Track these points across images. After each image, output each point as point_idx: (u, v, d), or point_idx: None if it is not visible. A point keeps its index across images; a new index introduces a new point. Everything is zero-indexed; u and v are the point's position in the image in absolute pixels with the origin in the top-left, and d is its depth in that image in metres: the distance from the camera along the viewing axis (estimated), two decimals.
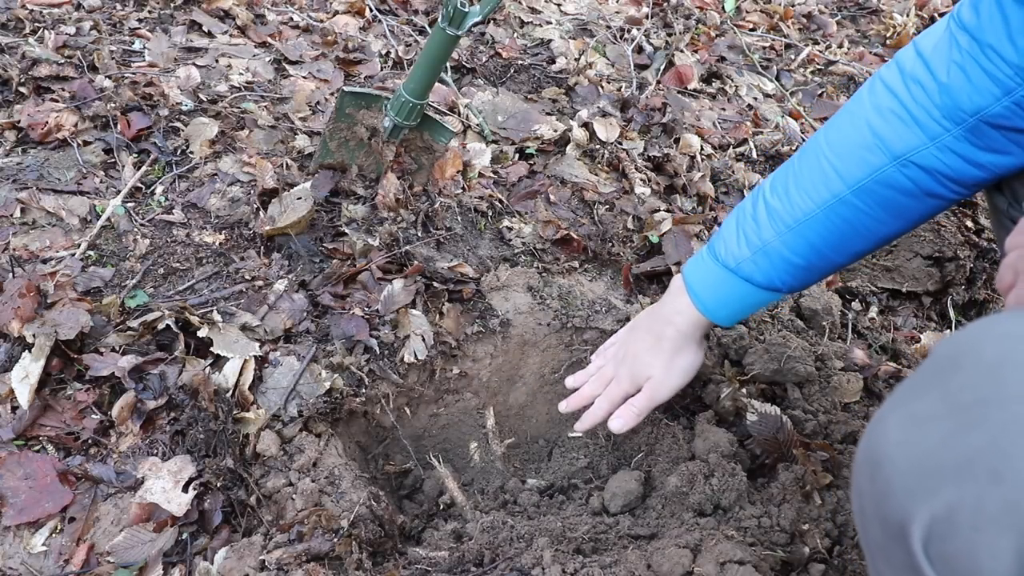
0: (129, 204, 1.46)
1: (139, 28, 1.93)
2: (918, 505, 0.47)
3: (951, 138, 0.84)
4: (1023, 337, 0.49)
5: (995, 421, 0.46)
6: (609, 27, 2.48)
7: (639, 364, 1.13)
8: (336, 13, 2.25)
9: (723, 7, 2.80)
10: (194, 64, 1.82)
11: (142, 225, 1.43)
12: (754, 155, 2.00)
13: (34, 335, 1.14)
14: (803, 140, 2.11)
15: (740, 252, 1.00)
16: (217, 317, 1.26)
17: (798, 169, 0.96)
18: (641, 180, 1.75)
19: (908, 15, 2.90)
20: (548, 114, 1.96)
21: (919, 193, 0.89)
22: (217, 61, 1.89)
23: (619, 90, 2.13)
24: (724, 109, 2.21)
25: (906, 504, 0.48)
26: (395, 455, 1.38)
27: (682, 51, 2.38)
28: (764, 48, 2.63)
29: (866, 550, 0.56)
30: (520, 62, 2.17)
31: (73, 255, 1.34)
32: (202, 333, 1.21)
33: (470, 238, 1.56)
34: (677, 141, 1.93)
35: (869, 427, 0.55)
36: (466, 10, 1.26)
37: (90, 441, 1.11)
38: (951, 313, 1.71)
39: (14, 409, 1.11)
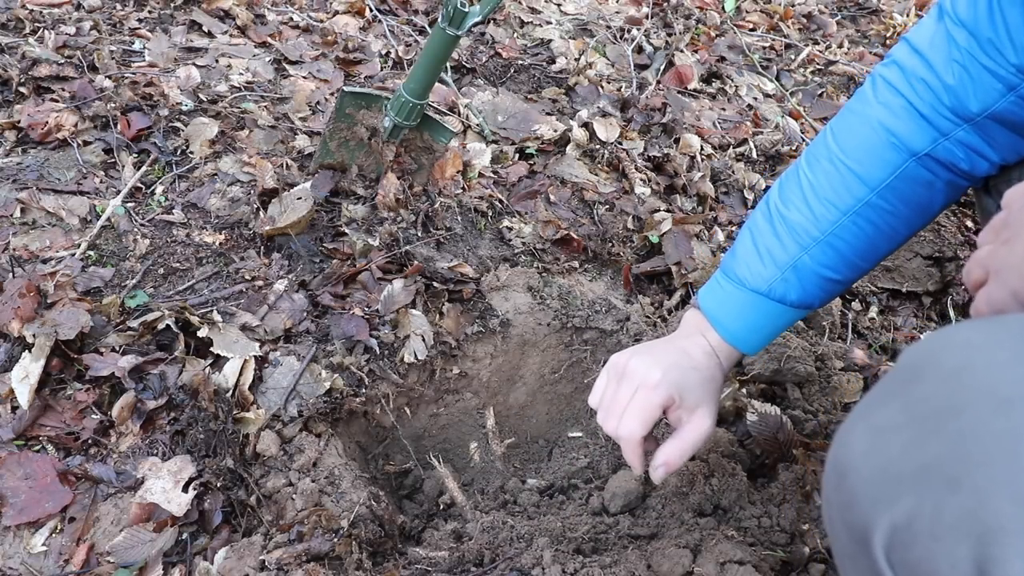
0: (129, 204, 1.46)
1: (139, 28, 1.93)
2: (880, 513, 0.48)
3: (963, 133, 0.83)
4: (981, 346, 0.50)
5: (953, 430, 0.47)
6: (609, 27, 2.48)
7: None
8: (336, 13, 2.25)
9: (723, 7, 2.80)
10: (194, 64, 1.82)
11: (142, 225, 1.43)
12: (754, 155, 2.00)
13: (34, 335, 1.14)
14: (803, 140, 2.11)
15: (768, 272, 0.94)
16: (217, 317, 1.26)
17: (813, 179, 0.93)
18: (641, 180, 1.75)
19: (908, 15, 2.90)
20: (548, 114, 1.96)
21: (941, 186, 0.88)
22: (217, 61, 1.89)
23: (619, 90, 2.13)
24: (724, 109, 2.21)
25: (869, 512, 0.49)
26: (395, 455, 1.38)
27: (682, 51, 2.38)
28: (764, 48, 2.63)
29: (836, 558, 0.57)
30: (520, 62, 2.17)
31: (73, 255, 1.34)
32: (202, 333, 1.21)
33: (470, 238, 1.56)
34: (677, 141, 1.93)
35: (836, 436, 0.56)
36: (466, 10, 1.26)
37: (90, 441, 1.11)
38: (951, 313, 1.71)
39: (14, 409, 1.11)
